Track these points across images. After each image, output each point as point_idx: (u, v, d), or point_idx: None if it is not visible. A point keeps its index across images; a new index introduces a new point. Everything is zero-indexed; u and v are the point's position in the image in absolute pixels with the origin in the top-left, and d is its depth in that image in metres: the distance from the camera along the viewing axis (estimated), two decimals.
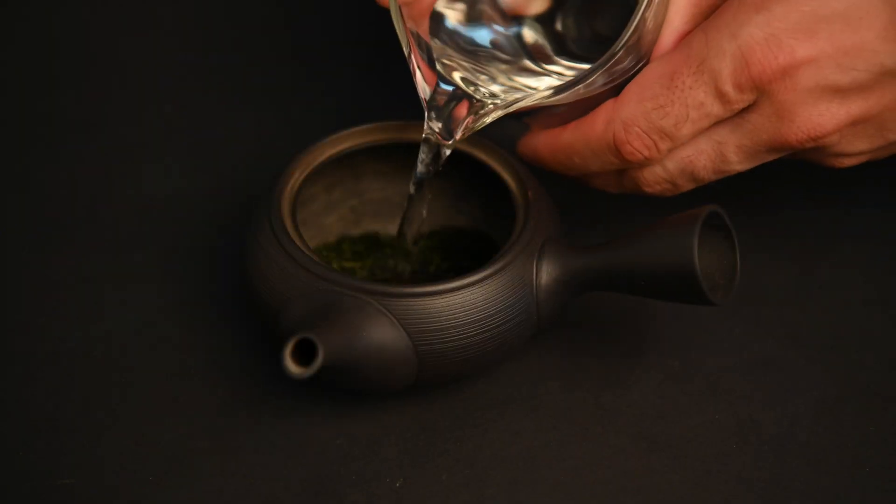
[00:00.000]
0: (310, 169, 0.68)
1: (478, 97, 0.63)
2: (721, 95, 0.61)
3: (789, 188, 0.78)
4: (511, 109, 0.63)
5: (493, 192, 0.71)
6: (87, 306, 0.71)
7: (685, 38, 0.62)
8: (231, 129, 0.83)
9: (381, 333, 0.61)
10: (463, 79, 0.64)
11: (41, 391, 0.67)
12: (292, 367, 0.57)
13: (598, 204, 0.77)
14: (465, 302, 0.62)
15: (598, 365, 0.68)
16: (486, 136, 0.68)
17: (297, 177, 0.68)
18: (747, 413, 0.66)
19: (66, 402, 0.66)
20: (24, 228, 0.75)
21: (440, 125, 0.64)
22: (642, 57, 0.62)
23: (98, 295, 0.72)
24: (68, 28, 0.90)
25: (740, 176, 0.79)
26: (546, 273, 0.65)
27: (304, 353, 0.57)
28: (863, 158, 0.65)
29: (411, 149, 0.71)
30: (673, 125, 0.62)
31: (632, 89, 0.62)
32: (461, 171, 0.72)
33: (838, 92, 0.60)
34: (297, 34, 0.89)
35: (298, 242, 0.64)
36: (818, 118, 0.61)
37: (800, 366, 0.68)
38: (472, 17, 0.66)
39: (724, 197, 0.77)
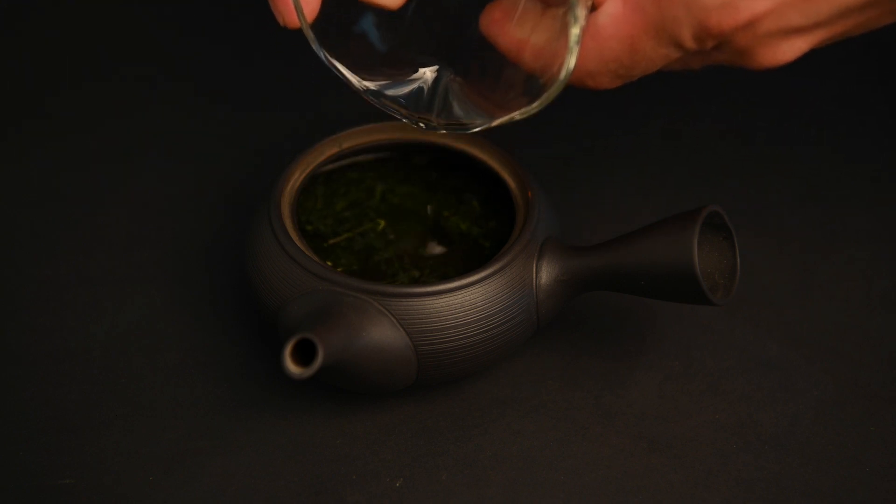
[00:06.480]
0: (310, 169, 0.69)
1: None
2: (683, 48, 0.60)
3: (789, 188, 0.78)
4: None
5: (493, 192, 0.71)
6: (87, 306, 0.71)
7: None
8: (231, 129, 0.83)
9: (381, 333, 0.61)
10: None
11: (41, 391, 0.67)
12: (292, 367, 0.57)
13: (598, 204, 0.77)
14: (465, 302, 0.63)
15: (598, 365, 0.68)
16: (486, 135, 0.67)
17: (297, 177, 0.68)
18: (747, 413, 0.66)
19: (66, 402, 0.66)
20: (24, 229, 0.75)
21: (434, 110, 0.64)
22: (590, 4, 0.61)
23: (98, 295, 0.72)
24: (68, 28, 0.90)
25: (740, 175, 0.79)
26: (546, 273, 0.65)
27: (304, 353, 0.57)
28: None
29: (411, 148, 0.71)
30: (641, 72, 0.62)
31: (589, 45, 0.61)
32: (461, 171, 0.72)
33: (800, 30, 0.60)
34: (298, 34, 0.89)
35: (298, 242, 0.64)
36: (781, 55, 0.61)
37: (800, 366, 0.68)
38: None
39: (724, 197, 0.77)
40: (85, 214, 0.76)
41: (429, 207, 0.71)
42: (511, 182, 0.68)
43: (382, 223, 0.70)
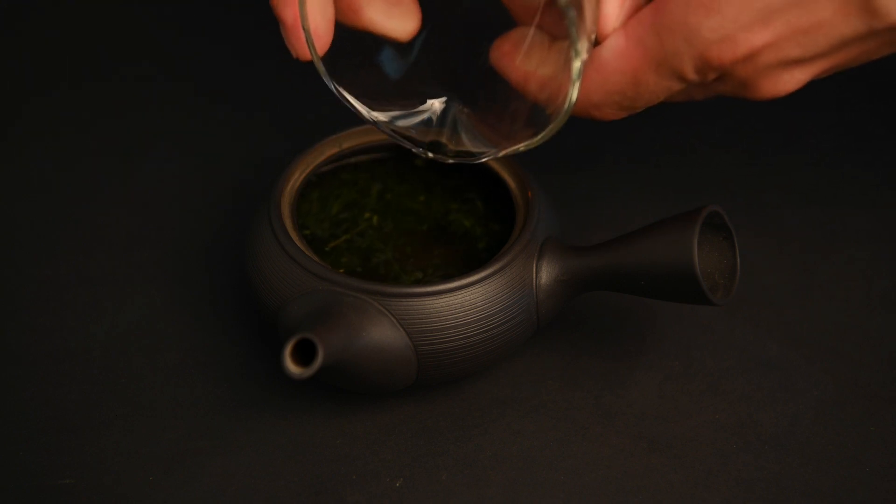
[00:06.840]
0: (310, 169, 0.69)
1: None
2: (685, 81, 0.61)
3: (789, 188, 0.78)
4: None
5: (493, 192, 0.71)
6: (87, 306, 0.71)
7: (635, 28, 0.61)
8: (231, 129, 0.83)
9: (381, 333, 0.61)
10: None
11: (41, 391, 0.67)
12: (292, 367, 0.57)
13: (598, 204, 0.77)
14: (465, 302, 0.62)
15: (598, 365, 0.68)
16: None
17: (297, 177, 0.68)
18: (747, 413, 0.66)
19: (66, 402, 0.66)
20: (24, 228, 0.75)
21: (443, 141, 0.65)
22: (593, 38, 0.61)
23: (98, 295, 0.72)
24: (68, 28, 0.90)
25: (740, 175, 0.79)
26: (546, 273, 0.65)
27: (304, 353, 0.57)
28: None
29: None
30: (645, 104, 0.62)
31: (593, 77, 0.62)
32: (461, 171, 0.72)
33: (800, 63, 0.60)
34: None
35: (298, 242, 0.64)
36: (782, 86, 0.61)
37: (800, 366, 0.68)
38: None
39: (724, 197, 0.77)
40: (85, 214, 0.76)
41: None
42: (511, 182, 0.68)
43: (375, 218, 0.70)
